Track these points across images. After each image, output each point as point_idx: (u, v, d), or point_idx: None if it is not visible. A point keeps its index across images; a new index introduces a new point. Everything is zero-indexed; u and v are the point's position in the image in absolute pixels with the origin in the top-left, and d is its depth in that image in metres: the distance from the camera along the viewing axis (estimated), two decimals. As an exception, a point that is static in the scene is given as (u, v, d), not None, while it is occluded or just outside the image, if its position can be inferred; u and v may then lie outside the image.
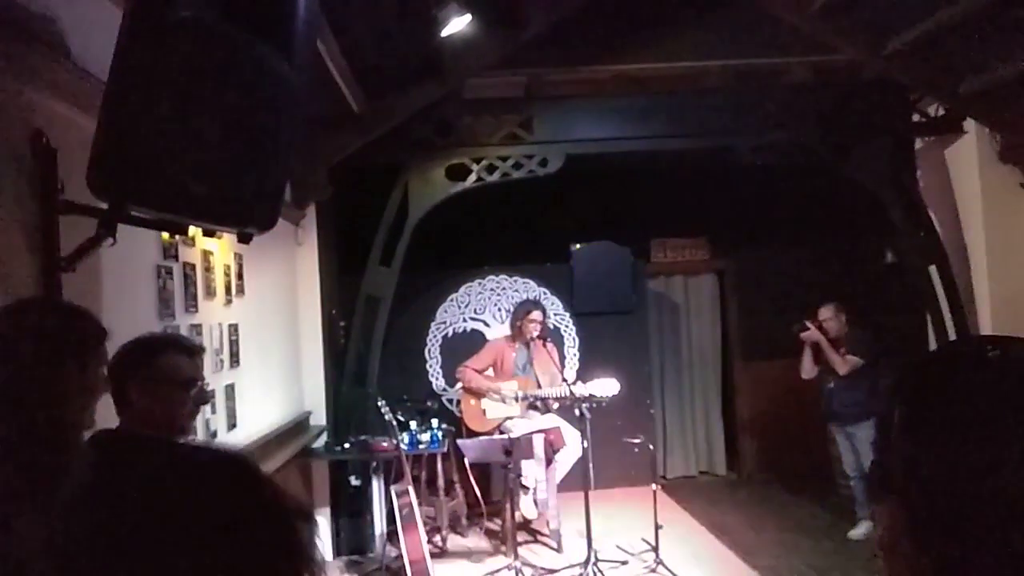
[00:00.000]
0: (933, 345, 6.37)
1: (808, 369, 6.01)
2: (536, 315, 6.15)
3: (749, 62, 6.06)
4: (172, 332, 3.30)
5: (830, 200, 7.20)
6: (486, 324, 7.50)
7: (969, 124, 6.05)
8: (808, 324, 5.94)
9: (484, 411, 6.15)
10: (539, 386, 6.09)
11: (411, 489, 5.34)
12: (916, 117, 6.50)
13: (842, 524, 6.01)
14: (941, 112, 6.31)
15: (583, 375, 6.24)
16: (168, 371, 2.07)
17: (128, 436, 2.03)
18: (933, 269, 6.19)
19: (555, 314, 7.58)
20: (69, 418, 1.66)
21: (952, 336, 6.02)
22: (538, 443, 5.54)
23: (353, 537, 5.88)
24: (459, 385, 6.44)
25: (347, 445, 5.81)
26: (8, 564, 1.46)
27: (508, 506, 5.58)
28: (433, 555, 5.54)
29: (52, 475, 1.53)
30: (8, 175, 2.23)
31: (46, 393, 1.61)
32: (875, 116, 6.36)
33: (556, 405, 6.07)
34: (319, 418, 6.11)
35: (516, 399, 6.08)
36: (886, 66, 5.48)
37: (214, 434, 3.81)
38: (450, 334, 7.50)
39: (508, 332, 6.43)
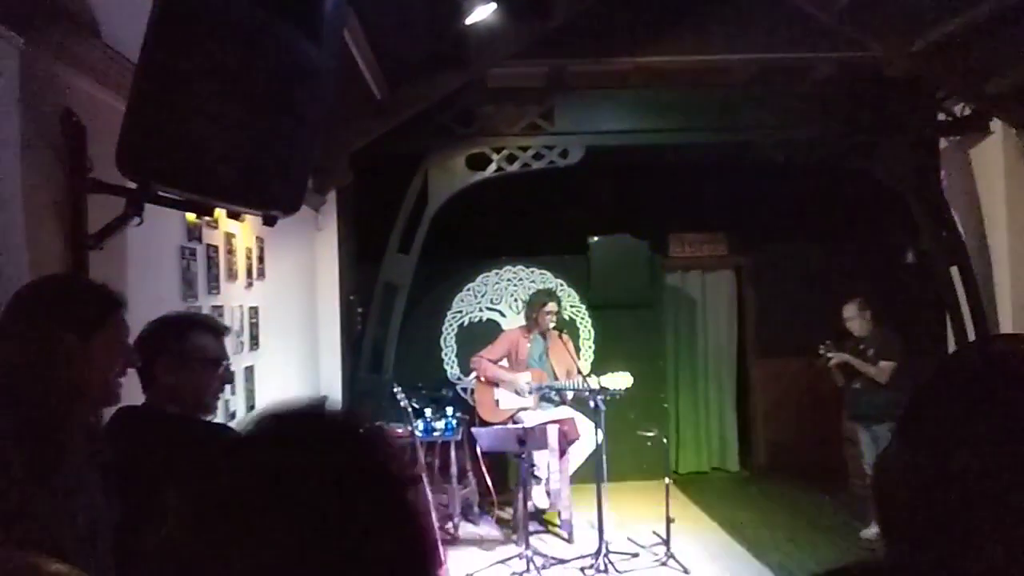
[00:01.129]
0: (952, 346, 6.32)
1: (841, 379, 5.99)
2: (552, 306, 6.16)
3: (774, 57, 6.01)
4: (198, 312, 3.34)
5: (851, 198, 7.15)
6: (502, 314, 7.52)
7: (995, 124, 5.97)
8: (830, 355, 5.89)
9: (497, 401, 6.17)
10: (555, 377, 6.10)
11: (424, 476, 5.38)
12: (941, 116, 6.43)
13: (855, 523, 5.99)
14: (967, 111, 6.24)
15: (598, 367, 6.24)
16: (196, 349, 2.10)
17: (153, 413, 2.06)
18: (955, 269, 6.14)
19: (571, 306, 7.59)
20: (72, 392, 1.60)
21: (971, 337, 5.97)
22: (552, 434, 5.56)
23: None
24: (474, 374, 6.46)
25: (362, 431, 5.84)
26: (16, 538, 1.45)
27: (520, 495, 5.61)
28: (444, 542, 5.58)
29: (54, 450, 1.53)
30: (38, 153, 2.25)
31: (40, 368, 1.56)
32: (900, 114, 6.30)
33: (571, 396, 6.08)
34: (335, 403, 6.14)
35: (530, 391, 6.09)
36: (912, 64, 5.42)
37: (233, 415, 3.85)
38: (466, 323, 7.52)
39: (524, 323, 6.44)
